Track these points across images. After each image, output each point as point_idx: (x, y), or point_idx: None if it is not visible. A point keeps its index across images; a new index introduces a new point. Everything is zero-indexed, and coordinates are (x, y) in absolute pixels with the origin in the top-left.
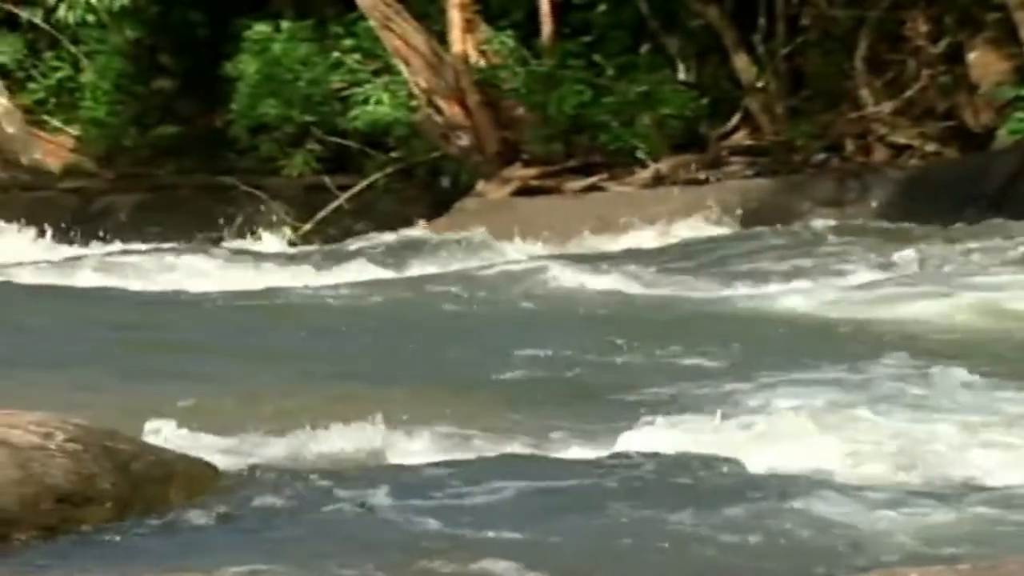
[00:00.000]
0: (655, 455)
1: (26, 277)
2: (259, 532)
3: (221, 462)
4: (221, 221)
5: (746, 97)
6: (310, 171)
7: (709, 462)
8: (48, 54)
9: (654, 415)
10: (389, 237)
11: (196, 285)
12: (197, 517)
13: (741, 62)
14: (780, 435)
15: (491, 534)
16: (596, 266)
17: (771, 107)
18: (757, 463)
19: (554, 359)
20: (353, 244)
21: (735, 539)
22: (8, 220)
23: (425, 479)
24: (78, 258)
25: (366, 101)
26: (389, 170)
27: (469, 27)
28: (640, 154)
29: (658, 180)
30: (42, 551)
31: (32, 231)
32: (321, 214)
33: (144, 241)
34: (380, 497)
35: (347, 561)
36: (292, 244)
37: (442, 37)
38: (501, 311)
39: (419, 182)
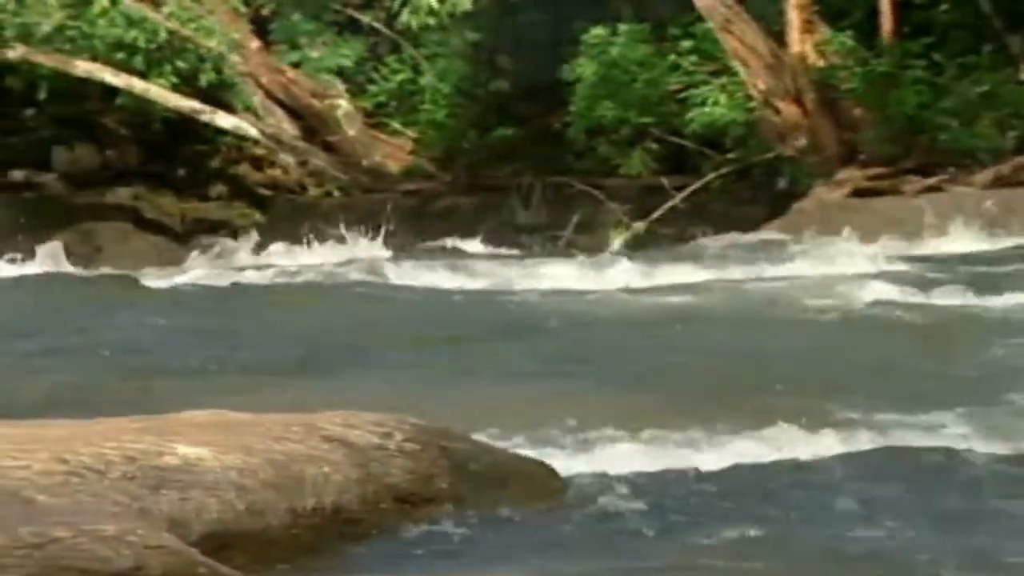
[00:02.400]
0: None
1: (363, 277)
2: (602, 535)
3: (557, 464)
4: (558, 222)
5: None
6: (647, 172)
7: None
8: (389, 57)
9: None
10: (725, 239)
11: (531, 285)
12: (536, 519)
13: None
14: None
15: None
16: (934, 271)
17: None
18: None
19: (889, 366)
20: (688, 245)
21: None
22: (349, 221)
23: (780, 478)
24: (415, 259)
25: (703, 102)
26: (725, 171)
27: (808, 27)
28: (981, 155)
29: (999, 181)
30: (382, 551)
31: (372, 232)
32: (656, 214)
33: (481, 242)
34: (725, 501)
35: (702, 565)
36: (627, 244)
37: (780, 38)
38: (829, 317)
39: (755, 183)
